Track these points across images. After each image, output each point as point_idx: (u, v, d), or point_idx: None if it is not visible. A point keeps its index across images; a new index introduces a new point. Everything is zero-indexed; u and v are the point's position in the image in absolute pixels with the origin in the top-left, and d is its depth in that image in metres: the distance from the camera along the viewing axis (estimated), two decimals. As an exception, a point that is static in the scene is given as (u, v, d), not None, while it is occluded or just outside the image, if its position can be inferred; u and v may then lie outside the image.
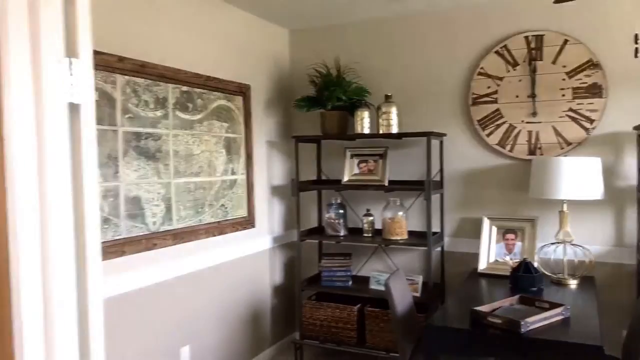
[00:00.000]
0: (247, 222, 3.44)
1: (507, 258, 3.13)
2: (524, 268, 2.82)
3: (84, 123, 1.04)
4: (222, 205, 3.22)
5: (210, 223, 3.11)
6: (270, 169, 3.72)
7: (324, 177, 3.84)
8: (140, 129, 2.64)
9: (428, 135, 3.15)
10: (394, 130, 3.34)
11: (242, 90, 3.41)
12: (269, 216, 3.70)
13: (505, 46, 3.28)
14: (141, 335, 2.64)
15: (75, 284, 1.01)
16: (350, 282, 3.49)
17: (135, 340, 2.60)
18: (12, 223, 0.91)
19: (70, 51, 1.01)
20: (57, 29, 0.99)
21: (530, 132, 3.24)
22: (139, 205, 2.62)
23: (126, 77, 2.56)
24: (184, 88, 2.93)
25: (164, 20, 2.79)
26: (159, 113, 2.76)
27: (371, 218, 3.48)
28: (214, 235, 3.13)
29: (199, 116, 3.05)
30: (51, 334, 0.96)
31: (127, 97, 2.57)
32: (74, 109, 1.02)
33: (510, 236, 3.22)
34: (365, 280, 3.52)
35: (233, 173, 3.33)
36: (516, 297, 2.54)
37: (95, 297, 1.04)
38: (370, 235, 3.46)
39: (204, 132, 3.09)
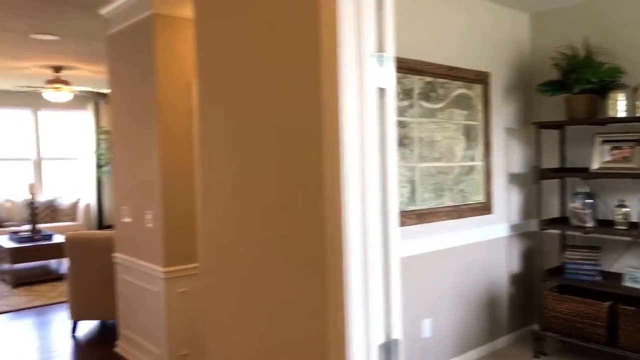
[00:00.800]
0: (485, 208, 3.49)
1: None
2: None
3: (388, 104, 1.27)
4: (461, 190, 3.33)
5: (449, 206, 3.25)
6: (508, 155, 3.68)
7: (567, 165, 3.64)
8: (391, 118, 2.92)
9: None
10: (658, 112, 3.00)
11: (481, 78, 3.46)
12: (507, 203, 3.67)
13: None
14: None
15: (381, 240, 1.25)
16: (598, 277, 3.26)
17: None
18: (344, 188, 1.18)
19: (380, 47, 1.25)
20: (372, 30, 1.24)
21: None
22: (389, 186, 2.91)
23: (380, 71, 2.86)
24: (428, 79, 3.12)
25: (416, 18, 3.02)
26: (405, 103, 3.01)
27: (626, 209, 3.18)
28: (453, 219, 3.26)
29: (440, 105, 3.21)
30: (369, 277, 1.22)
31: (381, 90, 2.87)
32: (381, 92, 1.26)
33: None
34: (616, 276, 3.24)
35: (471, 159, 3.41)
36: None
37: (394, 251, 1.27)
38: (624, 228, 3.16)
39: (445, 119, 3.24)
